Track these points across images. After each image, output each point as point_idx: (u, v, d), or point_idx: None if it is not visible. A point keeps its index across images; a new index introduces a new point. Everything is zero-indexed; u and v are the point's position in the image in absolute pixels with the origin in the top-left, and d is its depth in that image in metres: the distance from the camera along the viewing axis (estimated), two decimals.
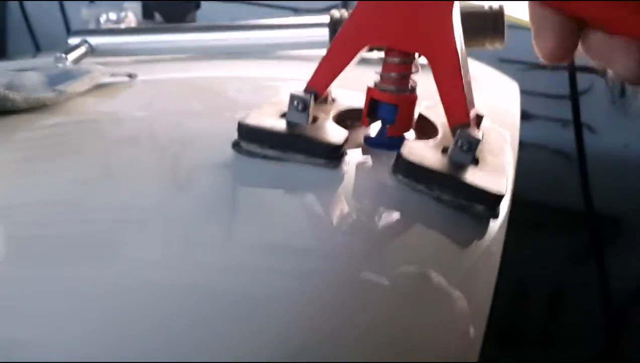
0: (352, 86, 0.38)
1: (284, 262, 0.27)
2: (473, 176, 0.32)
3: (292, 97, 0.34)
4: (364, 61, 0.37)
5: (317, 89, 0.35)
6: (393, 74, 0.35)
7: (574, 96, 1.01)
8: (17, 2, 1.46)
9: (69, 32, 1.44)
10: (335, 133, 0.35)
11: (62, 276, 0.25)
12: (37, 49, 1.44)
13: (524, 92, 0.77)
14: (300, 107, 0.34)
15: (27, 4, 1.46)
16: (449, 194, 0.32)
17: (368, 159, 0.36)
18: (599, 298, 1.15)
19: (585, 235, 1.13)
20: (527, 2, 0.31)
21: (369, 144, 0.37)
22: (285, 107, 0.35)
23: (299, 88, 0.35)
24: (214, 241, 0.29)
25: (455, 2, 0.32)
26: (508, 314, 1.30)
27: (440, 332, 0.29)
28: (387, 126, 0.36)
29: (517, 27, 0.66)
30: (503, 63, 1.03)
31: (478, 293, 0.32)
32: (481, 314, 0.31)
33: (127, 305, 0.23)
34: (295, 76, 0.62)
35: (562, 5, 0.29)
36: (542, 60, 0.31)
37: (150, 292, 0.24)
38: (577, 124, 0.90)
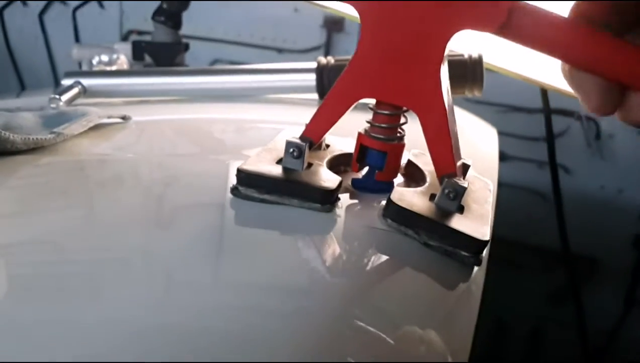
0: (346, 130, 0.39)
1: (275, 302, 0.28)
2: (459, 224, 0.34)
3: (288, 145, 0.36)
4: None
5: (312, 138, 0.37)
6: (383, 124, 0.37)
7: (550, 138, 1.04)
8: (1, 37, 1.47)
9: (54, 69, 1.45)
10: (329, 179, 0.36)
11: (43, 315, 0.25)
12: (22, 85, 1.45)
13: (500, 134, 0.79)
14: (295, 154, 0.36)
15: (11, 39, 1.47)
16: (435, 239, 0.34)
17: (357, 202, 0.38)
18: (576, 336, 1.17)
19: (561, 274, 1.15)
20: (559, 67, 0.32)
21: (357, 188, 0.39)
22: (280, 154, 0.37)
23: (295, 135, 0.37)
24: (204, 281, 0.29)
25: (444, 63, 0.34)
26: (487, 352, 1.31)
27: None
28: (376, 171, 0.38)
29: (494, 71, 0.69)
30: (479, 105, 1.06)
31: (460, 332, 0.33)
32: (463, 352, 0.32)
33: (108, 345, 0.24)
34: (277, 119, 0.64)
35: (604, 72, 0.31)
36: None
37: (133, 333, 0.25)
38: (553, 167, 0.92)
